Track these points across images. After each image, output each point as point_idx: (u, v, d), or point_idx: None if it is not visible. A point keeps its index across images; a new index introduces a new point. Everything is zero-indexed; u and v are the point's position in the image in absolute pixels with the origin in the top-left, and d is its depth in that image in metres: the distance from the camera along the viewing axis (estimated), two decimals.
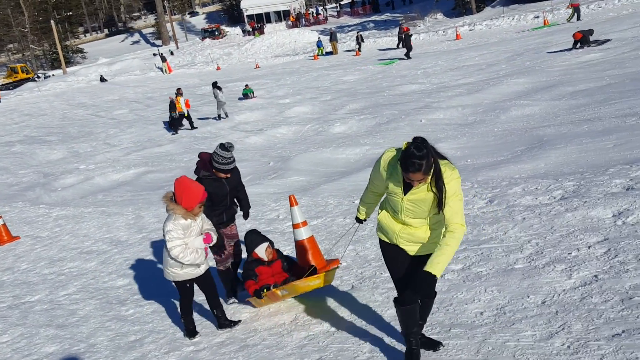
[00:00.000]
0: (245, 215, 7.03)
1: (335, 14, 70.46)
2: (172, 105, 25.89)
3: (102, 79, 50.72)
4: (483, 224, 7.36)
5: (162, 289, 7.96)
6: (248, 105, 28.85)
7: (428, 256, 4.14)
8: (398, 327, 5.28)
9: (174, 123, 25.90)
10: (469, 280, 5.90)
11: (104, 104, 38.74)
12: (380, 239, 4.51)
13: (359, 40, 44.50)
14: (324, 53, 47.04)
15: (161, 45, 71.99)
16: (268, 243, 6.34)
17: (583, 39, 24.46)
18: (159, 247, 9.87)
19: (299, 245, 7.14)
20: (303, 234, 7.12)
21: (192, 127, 25.64)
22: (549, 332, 4.65)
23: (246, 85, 32.29)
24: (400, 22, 45.73)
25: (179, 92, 26.07)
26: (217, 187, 6.35)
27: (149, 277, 8.54)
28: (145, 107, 34.87)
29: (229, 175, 6.40)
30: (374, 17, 62.96)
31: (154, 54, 52.88)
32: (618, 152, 9.53)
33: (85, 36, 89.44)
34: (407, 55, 35.32)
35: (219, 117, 26.45)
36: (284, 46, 56.96)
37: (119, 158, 22.10)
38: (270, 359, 5.35)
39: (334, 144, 16.29)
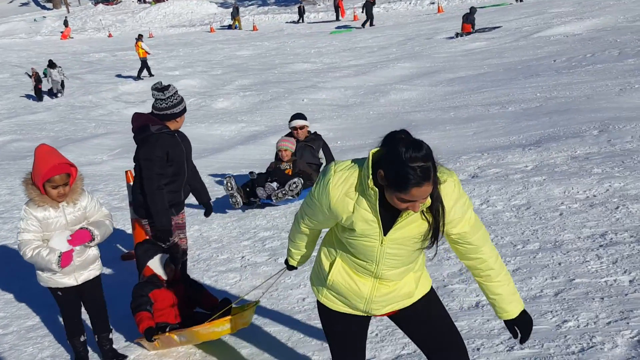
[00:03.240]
0: (207, 208, 5.52)
1: None
2: (38, 78, 25.27)
3: None
4: None
5: None
6: (135, 76, 27.93)
7: (411, 308, 2.89)
8: None
9: (38, 92, 25.24)
10: (301, 265, 5.80)
11: None
12: (324, 306, 2.94)
13: (301, 12, 43.90)
14: (231, 26, 45.75)
15: (51, 9, 68.43)
16: (167, 255, 4.70)
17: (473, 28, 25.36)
18: (3, 220, 9.29)
19: (136, 224, 6.84)
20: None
21: (150, 75, 26.69)
22: None
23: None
24: None
25: (140, 38, 27.40)
26: (176, 145, 4.90)
27: None
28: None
29: (179, 126, 4.98)
30: None
31: (65, 22, 50.45)
32: (476, 139, 9.76)
33: None
34: (370, 24, 35.47)
35: (55, 95, 25.54)
36: (181, 16, 55.31)
37: None
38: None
39: (211, 119, 15.94)
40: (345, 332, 2.96)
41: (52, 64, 25.96)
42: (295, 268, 3.39)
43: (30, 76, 25.43)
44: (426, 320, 2.90)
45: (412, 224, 2.57)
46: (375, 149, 2.50)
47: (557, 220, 5.72)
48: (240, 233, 7.03)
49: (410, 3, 42.25)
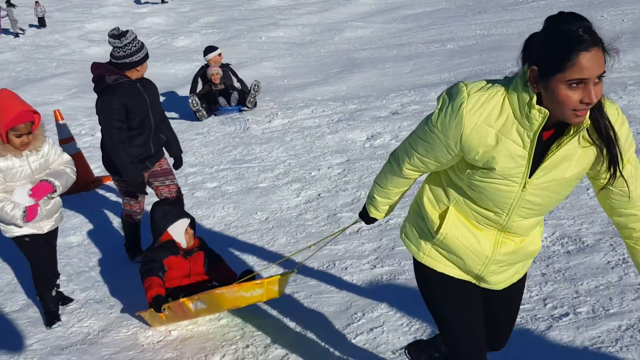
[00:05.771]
0: (177, 161, 5.11)
1: None
2: None
3: None
4: (255, 143, 7.72)
5: None
6: (103, 14, 27.76)
7: (514, 288, 2.38)
8: None
9: None
10: (213, 198, 6.26)
11: None
12: (427, 267, 2.31)
13: None
14: None
15: None
16: (189, 220, 4.20)
17: None
18: None
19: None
20: (70, 150, 7.22)
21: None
22: (256, 247, 5.08)
23: None
24: None
25: None
26: (136, 95, 4.51)
27: None
28: None
29: (141, 75, 4.58)
30: None
31: None
32: (411, 77, 10.12)
33: None
34: None
35: (17, 34, 25.46)
36: None
37: None
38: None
39: (168, 58, 16.11)
40: (459, 294, 2.30)
41: (10, 4, 25.76)
42: (375, 221, 2.73)
43: None
44: (505, 305, 2.45)
45: (565, 162, 1.94)
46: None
47: None
48: None
49: None
